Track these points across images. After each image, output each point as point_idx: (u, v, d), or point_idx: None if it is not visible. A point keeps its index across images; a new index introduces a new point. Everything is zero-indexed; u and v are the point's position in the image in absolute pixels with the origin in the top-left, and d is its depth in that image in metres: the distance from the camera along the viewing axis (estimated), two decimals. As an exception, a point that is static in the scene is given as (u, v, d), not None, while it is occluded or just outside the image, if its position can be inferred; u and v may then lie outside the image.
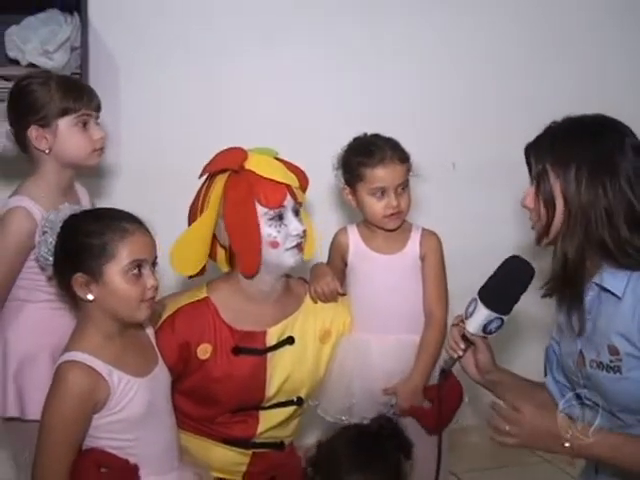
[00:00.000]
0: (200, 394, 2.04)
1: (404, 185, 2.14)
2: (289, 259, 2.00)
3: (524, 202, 1.69)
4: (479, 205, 2.95)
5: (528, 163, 1.68)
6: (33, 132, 1.96)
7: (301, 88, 2.79)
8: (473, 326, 1.73)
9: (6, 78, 2.36)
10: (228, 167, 1.99)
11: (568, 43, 3.05)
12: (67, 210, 1.81)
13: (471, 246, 2.82)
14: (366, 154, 2.12)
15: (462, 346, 1.78)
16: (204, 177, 2.05)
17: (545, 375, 1.85)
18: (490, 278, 1.73)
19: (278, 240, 1.98)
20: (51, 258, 1.77)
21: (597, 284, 1.63)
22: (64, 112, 1.96)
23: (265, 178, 1.98)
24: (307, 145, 2.53)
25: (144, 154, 2.62)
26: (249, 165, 1.99)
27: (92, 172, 2.22)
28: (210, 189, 2.01)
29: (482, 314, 1.71)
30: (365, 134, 2.20)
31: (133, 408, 1.74)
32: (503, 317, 1.71)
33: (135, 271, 1.72)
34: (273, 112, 2.72)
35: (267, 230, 1.98)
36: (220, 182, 2.00)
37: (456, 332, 1.78)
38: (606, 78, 3.08)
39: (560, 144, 1.63)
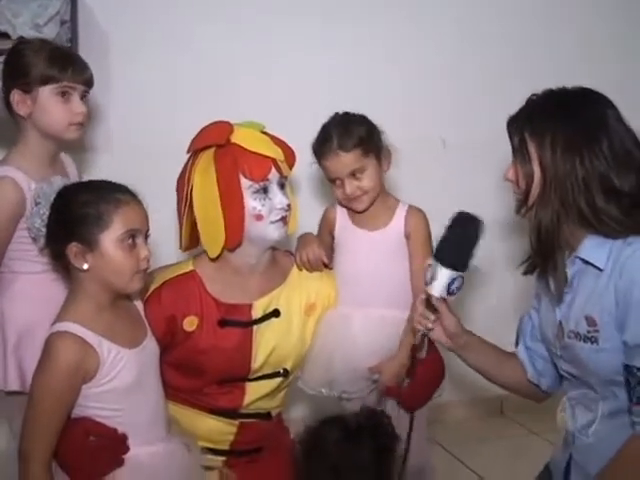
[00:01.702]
0: (187, 365, 2.05)
1: (360, 170, 2.09)
2: (274, 232, 2.01)
3: (506, 175, 1.70)
4: (469, 182, 2.95)
5: (510, 136, 1.68)
6: (15, 95, 1.96)
7: (291, 66, 2.79)
8: (437, 289, 1.73)
9: (-4, 51, 2.36)
10: (214, 142, 1.99)
11: (566, 14, 3.04)
12: (60, 182, 1.83)
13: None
14: (318, 144, 2.13)
15: (432, 317, 1.78)
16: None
17: (516, 345, 1.87)
18: (442, 240, 1.74)
19: (262, 213, 1.98)
20: (44, 229, 1.78)
21: (579, 258, 1.64)
22: (46, 80, 1.94)
23: (250, 151, 1.98)
24: (297, 122, 2.52)
25: (133, 128, 2.62)
26: (235, 138, 1.99)
27: (80, 146, 2.22)
28: (195, 164, 2.01)
29: (444, 275, 1.72)
30: (335, 115, 2.16)
31: (122, 379, 1.76)
32: (462, 275, 1.72)
33: (129, 241, 1.74)
34: (264, 89, 2.73)
35: (252, 203, 1.98)
36: (206, 156, 2.00)
37: (421, 305, 1.78)
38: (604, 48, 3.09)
39: (538, 114, 1.64)
